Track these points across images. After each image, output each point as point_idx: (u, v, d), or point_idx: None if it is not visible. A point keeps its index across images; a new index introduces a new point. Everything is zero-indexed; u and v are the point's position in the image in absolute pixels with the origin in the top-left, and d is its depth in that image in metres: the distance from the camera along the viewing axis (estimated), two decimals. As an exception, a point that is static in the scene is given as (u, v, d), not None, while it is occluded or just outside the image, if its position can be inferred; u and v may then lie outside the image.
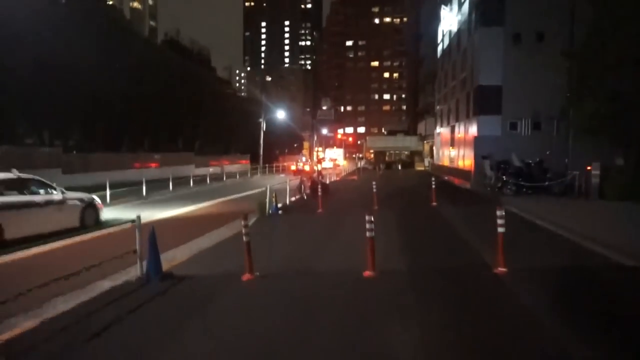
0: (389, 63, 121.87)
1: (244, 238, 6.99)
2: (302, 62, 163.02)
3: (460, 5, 28.04)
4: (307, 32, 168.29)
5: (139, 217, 7.32)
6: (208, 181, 30.68)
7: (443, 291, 5.99)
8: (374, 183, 15.52)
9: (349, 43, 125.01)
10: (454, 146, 29.83)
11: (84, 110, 30.80)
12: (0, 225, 9.18)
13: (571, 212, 12.40)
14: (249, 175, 41.57)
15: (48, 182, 11.34)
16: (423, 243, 9.16)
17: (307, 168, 38.26)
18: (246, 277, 6.90)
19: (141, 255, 7.21)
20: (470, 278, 6.57)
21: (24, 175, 10.74)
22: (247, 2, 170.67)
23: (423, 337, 4.48)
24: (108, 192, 17.97)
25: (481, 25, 22.46)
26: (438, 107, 38.91)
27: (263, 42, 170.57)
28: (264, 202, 14.86)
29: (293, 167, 42.15)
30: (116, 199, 18.87)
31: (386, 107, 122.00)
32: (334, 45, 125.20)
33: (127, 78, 34.62)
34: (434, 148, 45.39)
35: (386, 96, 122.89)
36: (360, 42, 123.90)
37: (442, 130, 36.33)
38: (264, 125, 45.83)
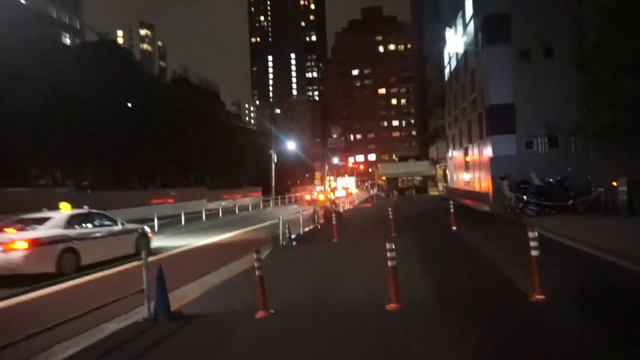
0: (395, 89, 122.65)
1: (257, 272, 6.53)
2: (310, 93, 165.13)
3: (465, 26, 28.01)
4: (312, 63, 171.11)
5: (145, 254, 6.92)
6: (220, 214, 30.44)
7: (477, 325, 5.40)
8: (389, 209, 14.99)
9: (355, 72, 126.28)
10: (469, 169, 29.25)
11: (95, 150, 30.97)
12: (79, 253, 10.61)
13: (602, 230, 11.68)
14: (261, 207, 41.26)
15: (110, 216, 12.90)
16: (448, 270, 8.57)
17: (321, 197, 37.90)
18: (260, 314, 6.39)
19: (149, 295, 6.78)
20: (505, 308, 5.97)
21: (92, 211, 12.39)
22: (253, 38, 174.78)
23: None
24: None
25: (488, 44, 22.24)
26: (449, 130, 38.52)
27: (270, 76, 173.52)
28: (277, 233, 14.43)
29: (307, 197, 41.95)
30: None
31: (396, 134, 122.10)
32: (340, 75, 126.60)
33: (137, 115, 34.97)
34: (447, 172, 44.80)
35: (395, 122, 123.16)
36: (365, 71, 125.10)
37: (454, 153, 35.82)
38: (274, 157, 45.80)
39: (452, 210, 14.70)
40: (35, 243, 9.72)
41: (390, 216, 14.75)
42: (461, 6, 29.02)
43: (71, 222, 11.00)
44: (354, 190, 65.35)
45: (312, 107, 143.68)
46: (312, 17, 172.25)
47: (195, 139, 43.51)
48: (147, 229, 13.94)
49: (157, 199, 35.05)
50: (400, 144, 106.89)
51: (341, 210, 25.76)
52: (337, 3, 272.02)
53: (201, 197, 40.71)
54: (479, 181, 25.61)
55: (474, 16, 25.40)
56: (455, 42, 29.01)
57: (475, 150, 26.25)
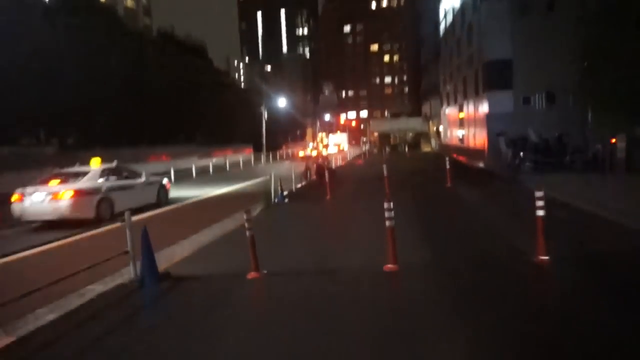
0: (388, 46, 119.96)
1: (247, 233, 6.17)
2: (301, 50, 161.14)
3: (463, -22, 26.86)
4: (303, 19, 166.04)
5: (128, 215, 6.51)
6: (210, 171, 30.01)
7: (480, 286, 5.14)
8: (384, 166, 14.63)
9: (347, 28, 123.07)
10: (463, 125, 28.82)
11: (79, 108, 29.94)
12: (113, 201, 11.96)
13: (602, 188, 11.46)
14: (252, 164, 40.83)
15: (135, 170, 14.36)
16: (445, 230, 8.30)
17: (314, 154, 37.49)
18: (252, 275, 6.09)
19: (134, 256, 6.43)
20: (508, 269, 5.70)
21: (120, 165, 13.75)
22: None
23: (471, 349, 3.65)
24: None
25: (486, -3, 21.31)
26: (443, 86, 37.76)
27: (260, 33, 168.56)
28: (268, 190, 14.06)
29: (301, 154, 41.72)
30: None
31: (388, 91, 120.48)
32: (332, 32, 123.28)
33: (123, 73, 33.71)
34: (440, 128, 44.35)
35: (387, 79, 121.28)
36: (358, 27, 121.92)
37: (449, 110, 35.25)
38: (265, 114, 44.95)
39: (447, 166, 14.36)
40: (78, 193, 11.08)
41: (385, 173, 14.39)
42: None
43: (104, 175, 12.34)
44: (345, 146, 64.92)
45: (303, 64, 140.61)
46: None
47: (184, 96, 42.36)
48: (165, 181, 15.13)
49: (153, 156, 34.48)
50: (393, 101, 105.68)
51: (333, 167, 25.39)
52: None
53: (191, 155, 40.09)
54: (474, 138, 25.23)
55: (472, -34, 24.27)
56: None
57: (471, 107, 25.72)
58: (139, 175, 13.81)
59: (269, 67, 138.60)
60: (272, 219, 11.00)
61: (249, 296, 5.46)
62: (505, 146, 17.05)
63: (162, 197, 14.30)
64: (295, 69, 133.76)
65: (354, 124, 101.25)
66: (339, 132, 77.61)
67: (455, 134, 32.64)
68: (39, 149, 28.37)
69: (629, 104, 14.44)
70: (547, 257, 5.72)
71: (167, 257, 8.08)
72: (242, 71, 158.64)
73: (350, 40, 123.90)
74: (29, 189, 11.15)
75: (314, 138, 75.42)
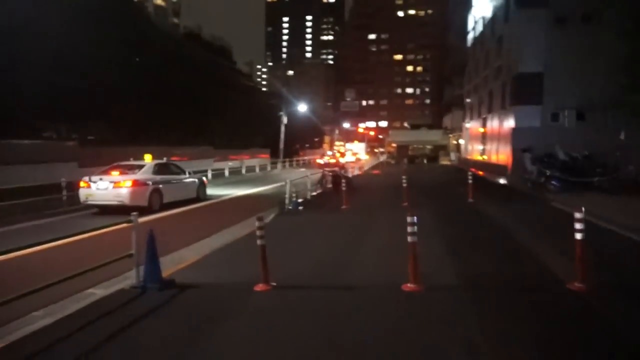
0: (412, 56, 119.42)
1: (258, 241, 5.78)
2: (324, 56, 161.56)
3: (495, -12, 26.27)
4: (329, 26, 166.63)
5: (135, 216, 6.19)
6: (226, 174, 29.96)
7: (511, 314, 4.64)
8: (403, 177, 14.11)
9: (372, 36, 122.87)
10: (486, 139, 28.10)
11: (102, 105, 30.13)
12: (162, 193, 13.42)
13: (631, 211, 10.75)
14: (268, 169, 40.60)
15: (180, 167, 15.90)
16: (470, 248, 7.76)
17: (333, 161, 37.18)
18: (260, 287, 5.70)
19: (138, 260, 6.10)
20: (541, 296, 5.20)
21: (169, 161, 16.54)
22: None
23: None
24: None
25: (521, 7, 20.59)
26: (467, 99, 37.05)
27: (285, 37, 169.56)
28: (283, 197, 13.71)
29: (319, 161, 41.65)
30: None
31: (409, 101, 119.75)
32: (357, 39, 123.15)
33: (148, 73, 33.91)
34: (460, 141, 43.56)
35: (409, 90, 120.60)
36: (383, 36, 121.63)
37: (471, 123, 34.51)
38: (284, 119, 44.74)
39: (470, 181, 13.78)
40: (136, 183, 12.63)
41: (404, 184, 13.89)
42: (491, -34, 27.14)
43: (156, 169, 13.84)
44: (363, 156, 64.42)
45: (325, 71, 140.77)
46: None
47: (206, 97, 42.45)
48: (204, 178, 16.95)
49: (173, 157, 34.48)
50: (413, 112, 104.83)
51: (350, 175, 24.94)
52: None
53: (208, 157, 40.01)
54: (497, 153, 24.52)
55: (505, -23, 23.68)
56: (483, 6, 27.22)
57: (495, 121, 25.02)
58: (183, 172, 15.37)
59: (291, 72, 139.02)
60: (285, 227, 10.59)
61: (254, 312, 5.05)
62: (531, 163, 16.39)
63: (201, 193, 15.79)
64: (317, 75, 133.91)
65: (372, 133, 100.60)
66: (356, 141, 77.17)
67: (476, 148, 31.89)
68: (59, 143, 28.55)
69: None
70: (583, 285, 5.19)
71: (175, 261, 7.78)
72: (264, 76, 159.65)
73: (374, 49, 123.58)
74: (94, 177, 12.85)
75: (331, 146, 75.07)
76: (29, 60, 23.79)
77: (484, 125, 28.84)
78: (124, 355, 4.07)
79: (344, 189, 13.95)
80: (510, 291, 5.40)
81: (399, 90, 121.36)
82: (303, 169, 40.13)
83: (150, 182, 13.09)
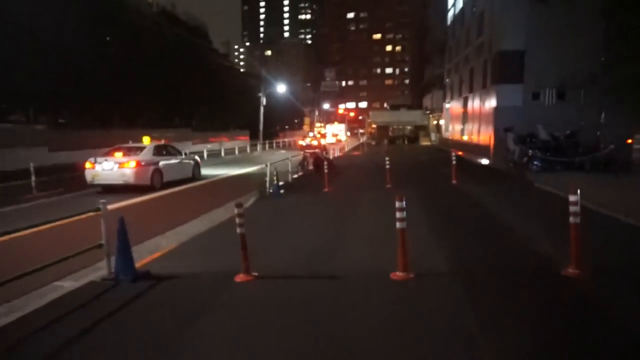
0: (391, 36, 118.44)
1: (238, 230, 5.42)
2: (303, 36, 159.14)
3: (476, -36, 25.83)
4: (307, 5, 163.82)
5: (104, 205, 5.76)
6: (205, 157, 29.34)
7: (506, 302, 4.41)
8: (386, 159, 13.84)
9: (350, 15, 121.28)
10: (467, 119, 28.00)
11: (70, 86, 28.85)
12: (162, 172, 14.33)
13: (621, 190, 10.69)
14: (248, 151, 40.03)
15: (177, 148, 16.98)
16: (457, 231, 7.55)
17: (315, 143, 36.83)
18: (240, 277, 5.37)
19: (109, 250, 5.70)
20: (535, 282, 4.99)
21: (167, 143, 17.13)
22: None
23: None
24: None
25: (503, -17, 20.28)
26: (447, 78, 36.84)
27: (262, 17, 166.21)
28: (263, 180, 13.32)
29: (301, 143, 41.58)
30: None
31: (388, 82, 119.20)
32: (335, 18, 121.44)
33: (119, 52, 32.62)
34: (441, 122, 43.54)
35: (388, 70, 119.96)
36: (361, 14, 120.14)
37: (452, 103, 34.39)
38: (263, 100, 43.93)
39: (454, 162, 13.57)
40: (139, 164, 13.52)
41: (387, 166, 13.62)
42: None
43: (156, 150, 14.65)
44: (343, 137, 64.13)
45: (304, 51, 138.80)
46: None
47: (181, 78, 41.23)
48: (198, 159, 17.71)
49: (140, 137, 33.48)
50: (393, 93, 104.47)
51: (331, 157, 24.61)
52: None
53: (185, 139, 39.17)
54: (478, 133, 24.45)
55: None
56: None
57: (477, 100, 24.88)
58: (180, 153, 16.41)
59: (269, 52, 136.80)
60: (266, 213, 10.24)
61: (234, 305, 4.72)
62: (514, 143, 16.30)
63: (196, 172, 16.81)
64: (296, 55, 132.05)
65: (352, 114, 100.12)
66: (336, 122, 76.68)
67: (457, 128, 31.84)
68: (28, 127, 27.41)
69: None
70: (578, 270, 5.00)
71: (151, 250, 7.41)
72: (242, 56, 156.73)
73: (353, 28, 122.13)
74: (99, 159, 13.69)
75: (312, 127, 74.49)
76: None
77: (465, 105, 28.72)
78: (92, 357, 3.71)
79: (326, 171, 13.62)
80: (503, 277, 5.17)
81: (379, 71, 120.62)
82: (283, 151, 39.72)
83: (151, 163, 14.01)
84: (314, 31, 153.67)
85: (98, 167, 13.48)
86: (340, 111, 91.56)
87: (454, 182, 13.30)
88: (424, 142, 50.11)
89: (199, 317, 4.38)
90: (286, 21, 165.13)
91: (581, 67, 18.28)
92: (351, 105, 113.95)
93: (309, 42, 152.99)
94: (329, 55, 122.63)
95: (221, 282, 5.33)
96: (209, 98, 47.39)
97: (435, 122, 49.31)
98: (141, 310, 4.69)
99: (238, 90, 53.35)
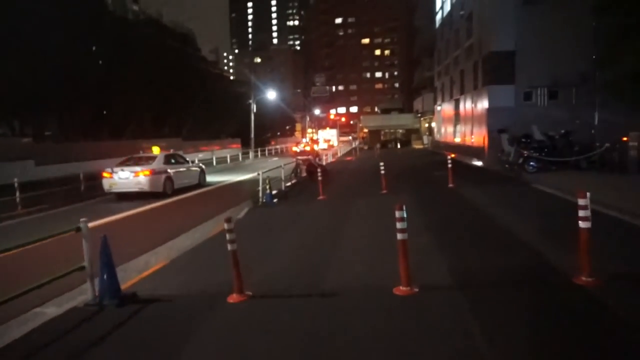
0: (380, 40, 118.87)
1: (229, 246, 5.10)
2: (292, 42, 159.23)
3: (463, -35, 25.79)
4: (295, 11, 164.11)
5: (85, 223, 5.41)
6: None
7: (518, 316, 4.11)
8: (381, 164, 13.56)
9: (339, 20, 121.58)
10: (459, 121, 27.86)
11: (57, 96, 28.33)
12: (173, 180, 15.43)
13: (621, 190, 10.47)
14: (240, 159, 39.64)
15: (184, 157, 18.29)
16: (458, 239, 7.24)
17: (309, 149, 36.74)
18: (233, 298, 5.04)
19: (92, 273, 5.35)
20: (546, 293, 4.69)
21: (175, 152, 18.41)
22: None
23: None
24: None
25: (490, -16, 20.18)
26: (438, 81, 36.77)
27: (250, 24, 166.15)
28: (256, 189, 13.01)
29: (295, 149, 42.26)
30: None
31: (378, 86, 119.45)
32: (323, 24, 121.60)
33: (105, 61, 32.17)
34: (433, 125, 43.46)
35: (378, 74, 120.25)
36: (349, 19, 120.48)
37: (443, 105, 34.29)
38: (254, 107, 43.59)
39: (449, 165, 13.32)
40: (152, 172, 14.65)
41: (382, 171, 13.35)
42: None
43: (167, 159, 15.83)
44: (335, 142, 64.02)
45: (293, 57, 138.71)
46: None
47: (170, 87, 40.80)
48: (203, 166, 18.92)
49: (131, 149, 33.00)
50: (383, 97, 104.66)
51: (324, 163, 24.32)
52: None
53: (176, 149, 38.66)
54: (471, 134, 24.29)
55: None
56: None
57: (468, 102, 24.75)
58: (187, 161, 17.59)
59: (258, 59, 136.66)
60: (259, 224, 9.92)
61: (228, 330, 4.38)
62: (508, 144, 16.11)
63: (201, 179, 17.84)
64: (285, 61, 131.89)
65: (343, 119, 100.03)
66: (328, 128, 76.51)
67: (449, 131, 31.71)
68: (14, 140, 26.89)
69: None
70: (590, 279, 4.73)
71: (139, 268, 7.06)
72: (231, 63, 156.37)
73: (342, 33, 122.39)
74: (115, 169, 14.82)
75: (303, 133, 74.22)
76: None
77: (456, 107, 28.60)
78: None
79: (319, 178, 13.32)
80: (512, 288, 4.89)
81: (368, 75, 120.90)
82: (276, 158, 39.41)
83: (163, 171, 15.17)
84: (303, 37, 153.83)
85: (115, 177, 14.65)
86: (332, 116, 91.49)
87: (450, 185, 13.05)
88: (417, 145, 50.03)
89: (190, 344, 4.04)
90: (274, 27, 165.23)
91: (572, 65, 18.19)
92: (342, 110, 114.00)
93: (298, 48, 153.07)
94: (319, 60, 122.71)
95: (213, 303, 5.00)
96: (199, 106, 46.97)
97: (426, 125, 49.26)
98: (127, 338, 4.35)
99: (228, 97, 52.97)
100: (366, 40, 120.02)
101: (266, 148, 50.38)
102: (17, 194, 13.78)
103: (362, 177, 18.63)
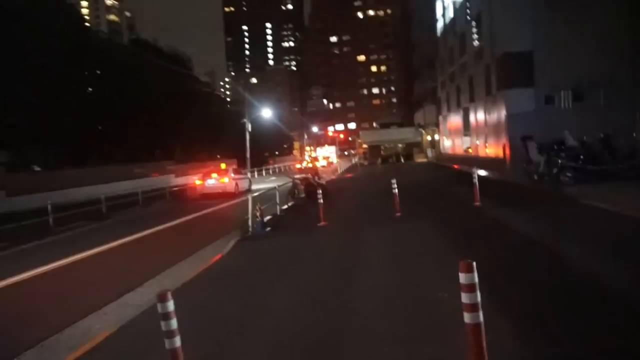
0: (375, 56, 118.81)
1: (166, 343, 2.91)
2: (287, 62, 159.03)
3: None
4: (289, 32, 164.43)
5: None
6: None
7: None
8: (393, 182, 11.32)
9: (334, 39, 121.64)
10: (470, 132, 25.80)
11: (38, 123, 26.41)
12: (238, 185, 21.64)
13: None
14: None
15: (241, 170, 24.61)
16: (520, 296, 4.82)
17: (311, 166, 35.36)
18: None
19: None
20: None
21: (236, 167, 26.00)
22: (227, 7, 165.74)
23: None
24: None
25: (503, -21, 18.29)
26: (441, 91, 34.88)
27: (246, 47, 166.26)
28: (245, 217, 10.84)
29: (298, 166, 44.87)
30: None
31: (376, 101, 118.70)
32: (319, 43, 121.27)
33: (92, 85, 30.49)
34: (436, 137, 41.49)
35: (375, 90, 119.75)
36: (344, 38, 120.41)
37: (449, 116, 32.31)
38: (249, 126, 41.46)
39: (475, 181, 11.08)
40: (230, 179, 21.38)
41: (395, 190, 11.12)
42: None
43: (233, 171, 22.88)
44: (335, 159, 62.31)
45: (290, 77, 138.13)
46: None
47: (163, 110, 39.04)
48: (250, 176, 24.37)
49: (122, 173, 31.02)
50: (381, 112, 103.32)
51: (324, 182, 22.17)
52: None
53: (168, 172, 36.74)
54: (485, 145, 22.19)
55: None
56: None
57: (480, 110, 22.70)
58: (243, 173, 23.38)
59: (254, 80, 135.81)
60: (244, 266, 7.74)
61: None
62: (537, 152, 13.97)
63: (250, 187, 22.73)
64: (281, 81, 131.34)
65: (342, 136, 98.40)
66: (326, 145, 74.80)
67: (458, 142, 29.64)
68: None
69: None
70: None
71: (74, 342, 5.03)
72: (227, 85, 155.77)
73: (337, 51, 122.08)
74: (204, 177, 21.52)
75: (301, 151, 72.49)
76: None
77: (465, 117, 26.58)
78: None
79: (320, 201, 11.13)
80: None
81: (365, 91, 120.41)
82: (274, 178, 37.33)
83: (233, 179, 21.50)
84: (299, 57, 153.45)
85: (205, 183, 21.22)
86: (330, 133, 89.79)
87: (477, 204, 10.86)
88: (419, 159, 48.00)
89: None
90: (270, 50, 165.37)
91: (599, 64, 16.21)
92: (340, 127, 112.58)
93: (294, 68, 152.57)
94: (315, 79, 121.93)
95: None
96: (192, 128, 45.15)
97: (429, 138, 47.32)
98: None
99: (224, 118, 51.35)
100: (362, 57, 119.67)
101: (263, 168, 48.48)
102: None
103: (367, 196, 16.46)
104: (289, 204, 15.43)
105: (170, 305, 2.89)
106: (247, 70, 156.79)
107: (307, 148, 73.97)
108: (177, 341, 2.86)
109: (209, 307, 5.62)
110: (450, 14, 29.89)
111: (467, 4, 24.35)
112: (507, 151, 17.98)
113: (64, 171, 27.11)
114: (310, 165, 35.28)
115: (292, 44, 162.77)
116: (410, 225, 9.34)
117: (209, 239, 10.37)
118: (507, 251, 6.66)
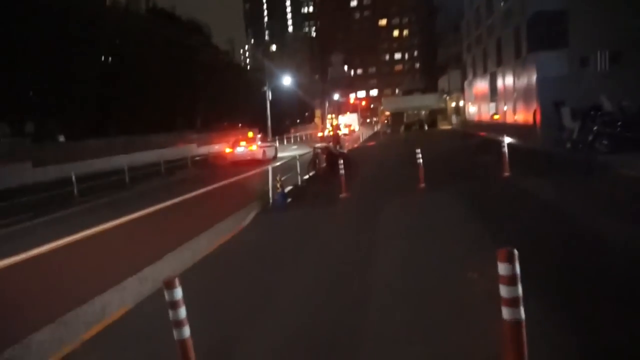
0: (397, 20, 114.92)
1: (175, 334, 2.69)
2: (307, 29, 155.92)
3: None
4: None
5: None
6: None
7: None
8: (417, 151, 10.86)
9: (354, 3, 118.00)
10: (497, 97, 24.83)
11: (57, 94, 26.50)
12: (266, 152, 23.12)
13: None
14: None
15: (268, 138, 31.65)
16: (559, 285, 4.48)
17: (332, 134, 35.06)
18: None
19: None
20: None
21: (261, 135, 29.94)
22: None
23: None
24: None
25: None
26: (467, 54, 33.54)
27: (265, 13, 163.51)
28: (266, 188, 10.66)
29: (320, 135, 43.44)
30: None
31: (398, 67, 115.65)
32: (338, 8, 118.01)
33: (110, 55, 30.25)
34: (461, 103, 40.26)
35: (397, 56, 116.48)
36: (364, 1, 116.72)
37: (475, 81, 31.15)
38: (269, 94, 41.13)
39: (504, 149, 10.54)
40: (258, 146, 22.79)
41: (419, 160, 10.69)
42: None
43: (258, 139, 24.63)
44: (357, 127, 61.37)
45: (309, 44, 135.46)
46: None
47: (183, 79, 38.79)
48: (277, 144, 28.08)
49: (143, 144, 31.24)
50: (403, 78, 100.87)
51: (346, 151, 21.76)
52: None
53: (190, 142, 36.81)
54: (514, 111, 21.31)
55: None
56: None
57: (509, 75, 21.70)
58: (270, 141, 26.71)
59: (274, 48, 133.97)
60: (263, 240, 7.55)
61: None
62: (571, 119, 13.24)
63: (276, 154, 24.65)
64: (301, 48, 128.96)
65: (363, 103, 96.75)
66: (348, 112, 73.64)
67: (484, 109, 28.63)
68: (14, 140, 25.26)
69: None
70: None
71: (89, 319, 4.89)
72: (247, 54, 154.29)
73: (357, 16, 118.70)
74: (234, 145, 22.79)
75: (323, 119, 71.75)
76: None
77: (492, 82, 25.51)
78: None
79: (341, 171, 10.81)
80: None
81: (387, 57, 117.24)
82: (295, 146, 37.09)
83: (261, 147, 22.83)
84: (318, 23, 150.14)
85: (236, 150, 22.36)
86: (351, 101, 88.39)
87: (506, 174, 10.37)
88: (443, 126, 46.85)
89: None
90: (289, 16, 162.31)
91: (633, 25, 15.12)
92: (362, 94, 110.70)
93: (314, 34, 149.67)
94: (335, 45, 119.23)
95: None
96: (212, 97, 44.91)
97: (454, 104, 45.99)
98: None
99: (244, 87, 50.89)
100: (383, 22, 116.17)
101: (285, 136, 48.19)
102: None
103: (389, 166, 16.06)
104: (310, 173, 15.17)
105: (179, 293, 2.65)
106: (267, 38, 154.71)
107: (329, 116, 73.06)
108: (186, 331, 2.64)
109: (226, 284, 5.48)
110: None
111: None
112: (538, 117, 17.16)
113: (88, 142, 27.31)
114: (332, 133, 34.69)
115: (311, 9, 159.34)
116: (435, 197, 8.97)
117: (232, 209, 10.28)
118: (540, 228, 6.20)
